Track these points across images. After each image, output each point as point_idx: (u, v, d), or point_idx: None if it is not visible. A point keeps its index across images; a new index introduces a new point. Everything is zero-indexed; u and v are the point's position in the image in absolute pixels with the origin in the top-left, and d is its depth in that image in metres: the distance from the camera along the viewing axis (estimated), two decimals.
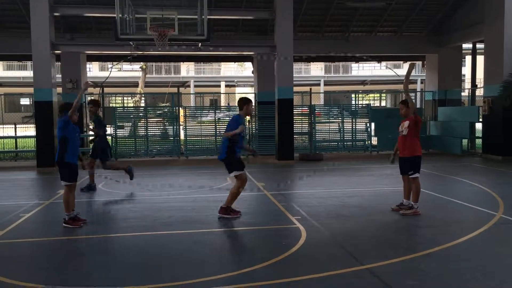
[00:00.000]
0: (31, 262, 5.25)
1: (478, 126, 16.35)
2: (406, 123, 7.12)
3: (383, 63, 38.31)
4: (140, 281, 4.49)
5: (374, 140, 16.76)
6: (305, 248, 5.48)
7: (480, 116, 15.35)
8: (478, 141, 16.35)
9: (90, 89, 23.70)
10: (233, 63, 36.81)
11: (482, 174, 11.58)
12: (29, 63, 31.09)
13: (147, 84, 33.90)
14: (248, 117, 7.05)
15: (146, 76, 32.53)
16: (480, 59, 17.30)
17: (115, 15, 12.16)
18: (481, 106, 15.14)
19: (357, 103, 17.98)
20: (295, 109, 15.06)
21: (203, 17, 12.53)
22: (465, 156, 15.28)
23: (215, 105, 22.77)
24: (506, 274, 4.63)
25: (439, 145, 16.67)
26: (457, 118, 16.24)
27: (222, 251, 5.50)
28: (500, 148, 14.08)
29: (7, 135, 16.77)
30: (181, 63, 37.05)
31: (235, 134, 6.72)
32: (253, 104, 7.19)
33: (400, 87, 34.08)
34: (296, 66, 36.16)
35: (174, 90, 18.20)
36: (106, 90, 18.66)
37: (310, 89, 17.25)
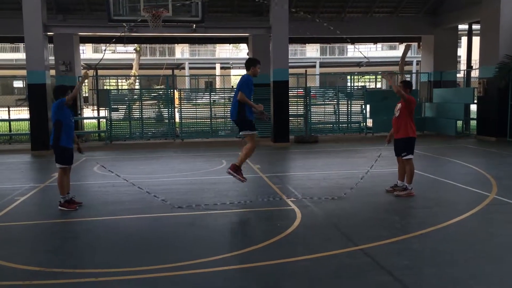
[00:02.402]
0: (27, 245, 5.27)
1: (473, 107, 16.39)
2: (399, 105, 7.13)
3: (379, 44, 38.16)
4: (135, 263, 4.51)
5: (370, 122, 16.78)
6: (300, 229, 5.52)
7: (475, 97, 15.37)
8: (473, 123, 16.41)
9: (84, 72, 23.44)
10: (228, 44, 36.51)
11: (476, 155, 11.65)
12: (21, 45, 30.72)
13: (142, 67, 33.61)
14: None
15: (140, 58, 32.22)
16: (476, 40, 17.25)
17: None
18: (477, 88, 15.15)
19: (352, 85, 17.93)
20: (290, 91, 15.01)
21: None
22: (459, 137, 15.34)
23: (210, 87, 22.65)
24: (498, 254, 4.68)
25: (434, 126, 16.71)
26: (452, 100, 16.25)
27: (217, 233, 5.53)
28: (494, 129, 14.13)
29: (0, 118, 16.68)
30: (176, 45, 36.72)
31: (250, 104, 6.72)
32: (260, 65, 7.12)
33: (396, 68, 34.01)
34: (292, 48, 35.94)
35: (169, 72, 18.06)
36: (100, 72, 18.47)
37: (306, 71, 17.18)
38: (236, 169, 6.91)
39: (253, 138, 6.89)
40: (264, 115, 7.05)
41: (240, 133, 7.03)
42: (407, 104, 7.04)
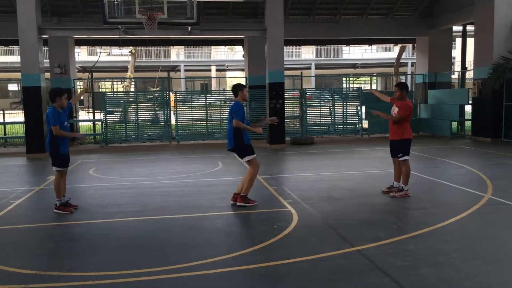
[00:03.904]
0: (23, 249, 5.24)
1: (468, 108, 16.45)
2: (396, 110, 7.14)
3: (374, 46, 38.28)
4: (132, 266, 4.50)
5: (365, 124, 16.82)
6: (297, 231, 5.52)
7: (470, 98, 15.44)
8: (468, 124, 16.48)
9: (79, 74, 23.39)
10: (223, 46, 36.51)
11: (471, 156, 11.70)
12: (16, 48, 30.59)
13: (137, 69, 33.55)
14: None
15: (136, 60, 32.18)
16: (470, 42, 17.34)
17: None
18: (471, 89, 15.22)
19: (348, 86, 17.97)
20: (286, 93, 15.03)
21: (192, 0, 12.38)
22: (454, 138, 15.39)
23: (205, 89, 22.65)
24: (493, 254, 4.71)
25: (429, 127, 16.77)
26: (447, 101, 16.32)
27: (214, 235, 5.52)
28: (489, 130, 14.20)
29: None
30: (171, 47, 36.69)
31: (248, 129, 6.66)
32: (247, 89, 7.10)
33: (391, 70, 34.13)
34: (287, 49, 36.00)
35: (164, 74, 18.01)
36: (95, 75, 18.39)
37: (301, 72, 17.20)
38: (245, 200, 6.80)
39: (255, 161, 6.80)
40: (269, 121, 7.35)
41: (242, 160, 6.83)
42: (404, 113, 7.04)
